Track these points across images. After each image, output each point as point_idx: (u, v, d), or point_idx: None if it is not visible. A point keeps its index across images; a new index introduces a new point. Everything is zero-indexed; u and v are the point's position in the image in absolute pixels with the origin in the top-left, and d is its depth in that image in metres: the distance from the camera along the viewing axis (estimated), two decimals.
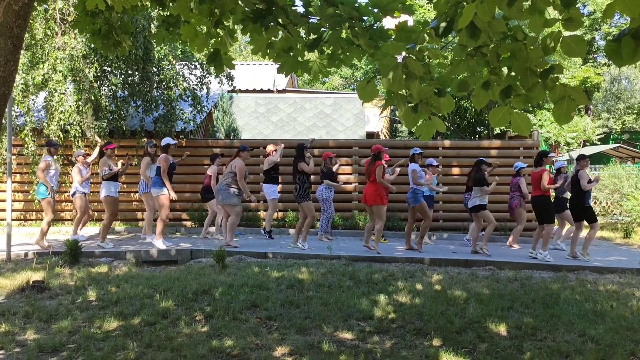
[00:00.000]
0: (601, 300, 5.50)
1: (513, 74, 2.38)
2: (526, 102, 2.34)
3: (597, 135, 22.99)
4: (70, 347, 3.98)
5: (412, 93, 2.45)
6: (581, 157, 8.23)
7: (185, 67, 11.46)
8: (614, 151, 21.43)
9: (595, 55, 27.40)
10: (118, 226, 10.82)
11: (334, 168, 9.44)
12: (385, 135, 21.12)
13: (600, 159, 21.37)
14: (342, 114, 16.31)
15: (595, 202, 13.36)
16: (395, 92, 2.50)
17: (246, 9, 2.95)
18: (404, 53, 2.54)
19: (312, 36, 2.97)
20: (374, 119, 19.38)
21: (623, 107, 31.07)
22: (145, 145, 9.06)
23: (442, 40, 2.52)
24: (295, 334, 4.33)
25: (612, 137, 27.15)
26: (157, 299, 5.17)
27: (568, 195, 8.76)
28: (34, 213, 11.29)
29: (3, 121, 8.88)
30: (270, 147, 9.57)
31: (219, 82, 11.38)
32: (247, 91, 17.68)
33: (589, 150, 20.49)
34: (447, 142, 11.49)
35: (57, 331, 4.32)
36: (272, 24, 2.89)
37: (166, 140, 8.41)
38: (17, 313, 4.76)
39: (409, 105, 2.53)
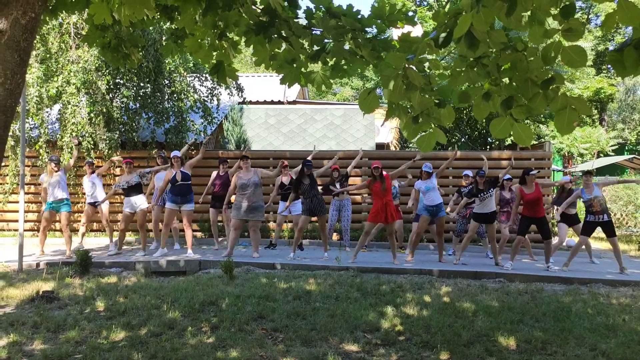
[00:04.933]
0: (613, 313, 5.39)
1: (514, 84, 2.36)
2: (527, 113, 2.32)
3: (612, 146, 22.70)
4: (77, 358, 4.00)
5: (412, 104, 2.45)
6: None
7: (196, 79, 11.58)
8: (628, 162, 21.10)
9: (609, 66, 27.17)
10: (129, 236, 10.89)
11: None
12: (395, 147, 21.06)
13: (614, 170, 21.08)
14: (352, 125, 16.33)
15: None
16: (396, 103, 2.50)
17: (250, 21, 2.98)
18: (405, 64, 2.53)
19: (315, 47, 2.99)
20: (384, 130, 19.35)
21: (638, 117, 30.73)
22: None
23: (447, 50, 2.52)
24: (300, 346, 4.30)
25: (627, 148, 26.78)
26: (164, 310, 5.19)
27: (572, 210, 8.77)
28: None
29: (17, 133, 8.97)
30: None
31: (229, 94, 11.49)
32: (257, 102, 17.80)
33: (603, 162, 20.24)
34: (458, 153, 11.40)
35: (65, 341, 4.34)
36: (274, 35, 2.92)
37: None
38: (26, 323, 4.81)
39: (410, 116, 2.52)
